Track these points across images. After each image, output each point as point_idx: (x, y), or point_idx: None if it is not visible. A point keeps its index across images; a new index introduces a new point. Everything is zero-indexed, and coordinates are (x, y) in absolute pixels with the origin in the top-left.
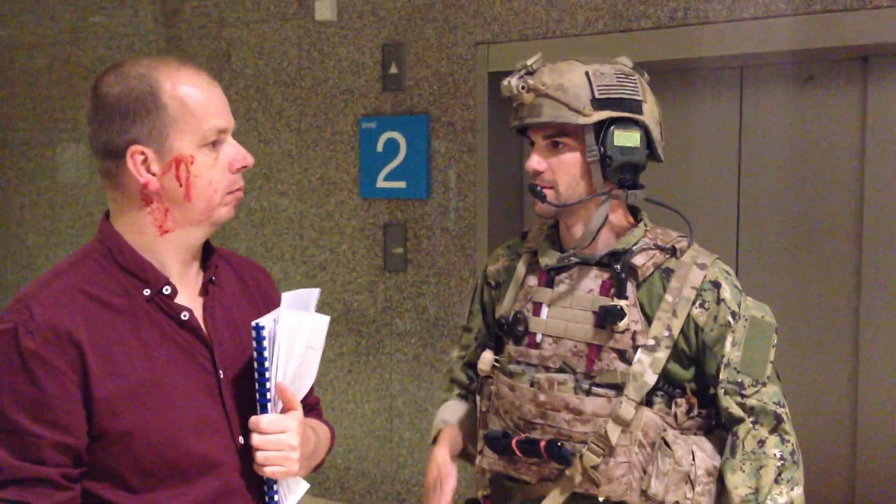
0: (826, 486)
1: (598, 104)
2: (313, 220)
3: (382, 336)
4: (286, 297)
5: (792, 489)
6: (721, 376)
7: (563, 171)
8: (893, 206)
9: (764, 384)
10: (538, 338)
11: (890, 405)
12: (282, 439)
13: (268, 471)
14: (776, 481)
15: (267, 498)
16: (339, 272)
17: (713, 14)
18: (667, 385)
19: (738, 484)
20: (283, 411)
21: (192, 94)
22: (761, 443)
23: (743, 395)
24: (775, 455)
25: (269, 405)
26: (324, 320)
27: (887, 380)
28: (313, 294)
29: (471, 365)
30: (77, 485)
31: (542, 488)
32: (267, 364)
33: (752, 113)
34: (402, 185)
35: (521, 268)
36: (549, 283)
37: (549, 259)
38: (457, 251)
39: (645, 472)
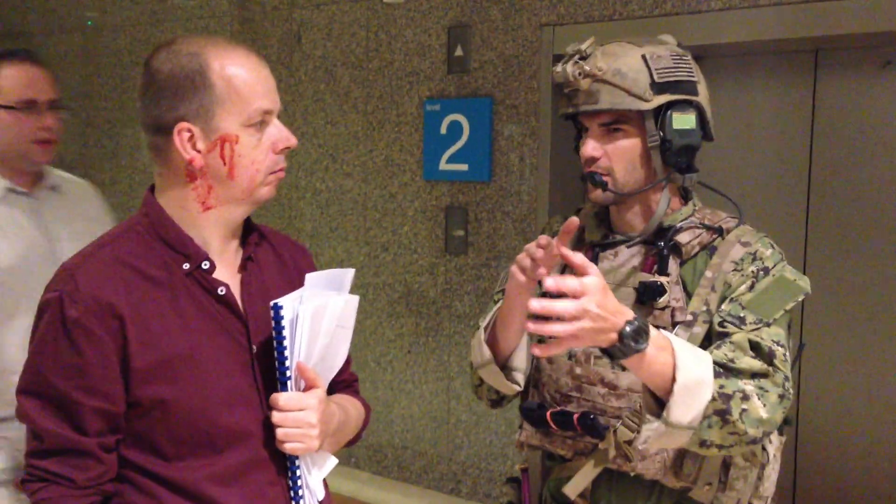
0: (892, 484)
1: (657, 88)
2: (377, 201)
3: (442, 318)
4: (315, 276)
5: (759, 402)
6: (723, 307)
7: (620, 157)
8: None
9: (768, 324)
10: None
11: None
12: (300, 417)
13: (287, 447)
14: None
15: (289, 473)
16: (400, 253)
17: None
18: None
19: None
20: (305, 389)
21: (240, 75)
22: (733, 360)
23: (741, 328)
24: (753, 368)
25: (288, 383)
26: (353, 300)
27: None
28: (348, 274)
29: None
30: (112, 455)
31: (577, 463)
32: (286, 343)
33: (826, 98)
34: (464, 167)
35: (568, 243)
36: (594, 259)
37: (594, 236)
38: (517, 235)
39: (679, 452)
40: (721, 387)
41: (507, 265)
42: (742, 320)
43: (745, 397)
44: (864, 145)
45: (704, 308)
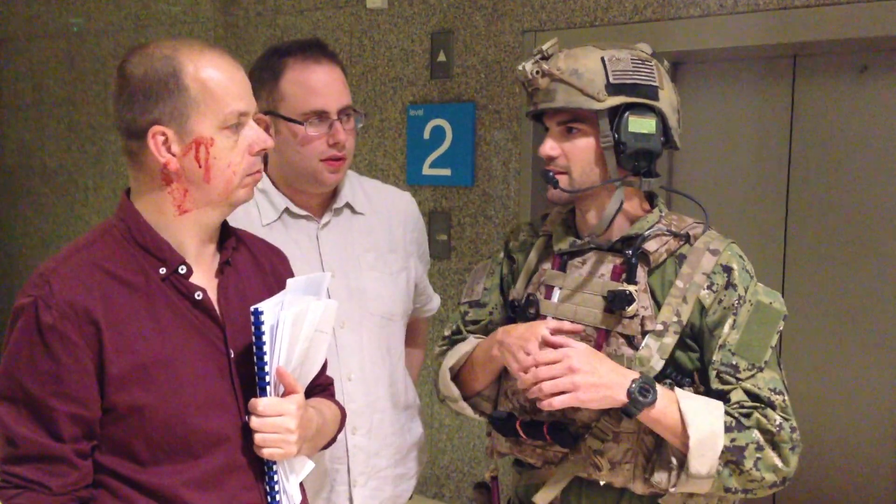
0: (870, 488)
1: (612, 89)
2: None
3: None
4: (294, 282)
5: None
6: (715, 358)
7: (576, 156)
8: None
9: (760, 369)
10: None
11: None
12: (279, 422)
13: (265, 452)
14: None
15: (267, 478)
16: None
17: (764, 2)
18: (674, 372)
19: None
20: (284, 395)
21: (215, 77)
22: (746, 415)
23: (737, 379)
24: (757, 422)
25: (267, 388)
26: (332, 306)
27: None
28: (325, 278)
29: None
30: (88, 461)
31: (547, 472)
32: (265, 349)
33: (804, 104)
34: (447, 172)
35: (534, 252)
36: (562, 268)
37: (562, 244)
38: (500, 239)
39: (648, 460)
40: (733, 440)
41: (474, 269)
42: (735, 368)
43: (759, 447)
44: (842, 150)
45: (675, 319)
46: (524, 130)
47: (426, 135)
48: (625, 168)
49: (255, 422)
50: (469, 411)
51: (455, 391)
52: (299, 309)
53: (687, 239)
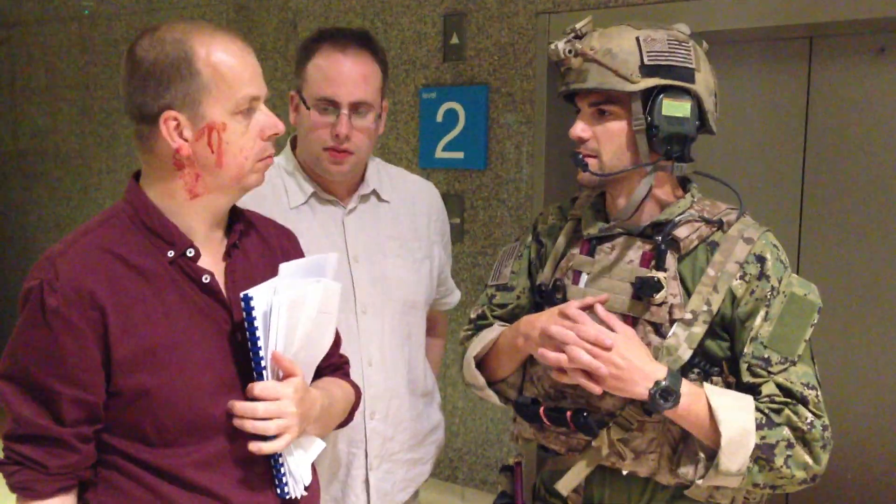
0: (881, 481)
1: (646, 70)
2: None
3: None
4: (292, 265)
5: (786, 461)
6: (746, 350)
7: (607, 139)
8: None
9: (794, 363)
10: None
11: None
12: (276, 406)
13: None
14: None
15: (272, 460)
16: None
17: None
18: (703, 362)
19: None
20: (283, 378)
21: (227, 62)
22: (776, 411)
23: (769, 373)
24: (788, 419)
25: (264, 373)
26: (334, 287)
27: None
28: (329, 259)
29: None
30: (89, 445)
31: (571, 459)
32: (258, 333)
33: (821, 85)
34: (460, 155)
35: (563, 236)
36: (591, 253)
37: (592, 228)
38: (513, 223)
39: (675, 451)
40: (763, 437)
41: (501, 251)
42: (767, 362)
43: (790, 445)
44: (859, 132)
45: (705, 308)
46: (537, 113)
47: (439, 118)
48: (657, 152)
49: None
50: (495, 398)
51: (480, 379)
52: (296, 293)
53: (720, 226)
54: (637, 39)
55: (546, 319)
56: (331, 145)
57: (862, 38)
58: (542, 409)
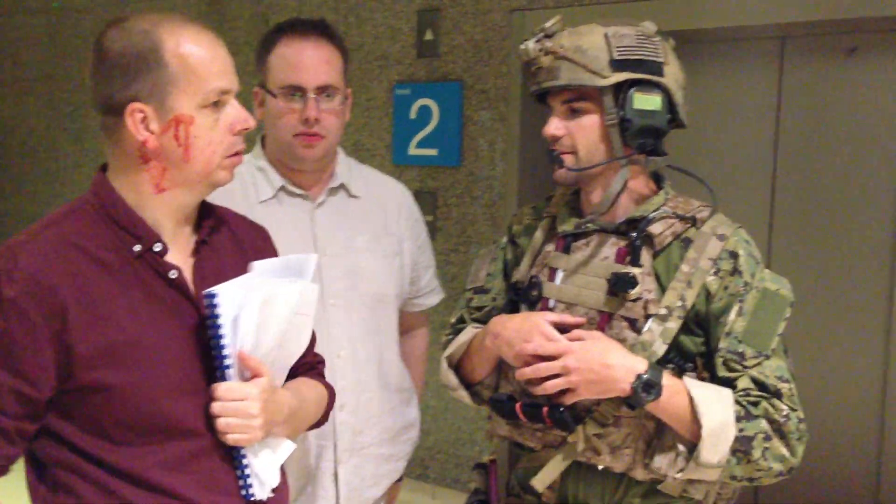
0: (850, 477)
1: (616, 65)
2: None
3: None
4: (266, 263)
5: (763, 453)
6: (721, 345)
7: (581, 135)
8: None
9: (767, 357)
10: (551, 303)
11: None
12: (240, 407)
13: (229, 438)
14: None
15: (236, 461)
16: None
17: None
18: (677, 357)
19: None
20: (251, 379)
21: (196, 53)
22: (753, 404)
23: (744, 367)
24: (765, 412)
25: (228, 372)
26: (311, 288)
27: None
28: (309, 260)
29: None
30: (26, 443)
31: (546, 455)
32: (223, 332)
33: (792, 85)
34: (433, 152)
35: (539, 233)
36: (567, 250)
37: (567, 225)
38: (486, 220)
39: (649, 445)
40: (742, 430)
41: (476, 251)
42: (742, 356)
43: (767, 437)
44: (830, 131)
45: (679, 304)
46: (511, 110)
47: (413, 114)
48: (630, 146)
49: (216, 407)
50: (467, 399)
51: (453, 380)
52: (269, 292)
53: (693, 222)
54: (606, 36)
55: (519, 324)
56: (301, 130)
57: (833, 38)
58: (518, 406)
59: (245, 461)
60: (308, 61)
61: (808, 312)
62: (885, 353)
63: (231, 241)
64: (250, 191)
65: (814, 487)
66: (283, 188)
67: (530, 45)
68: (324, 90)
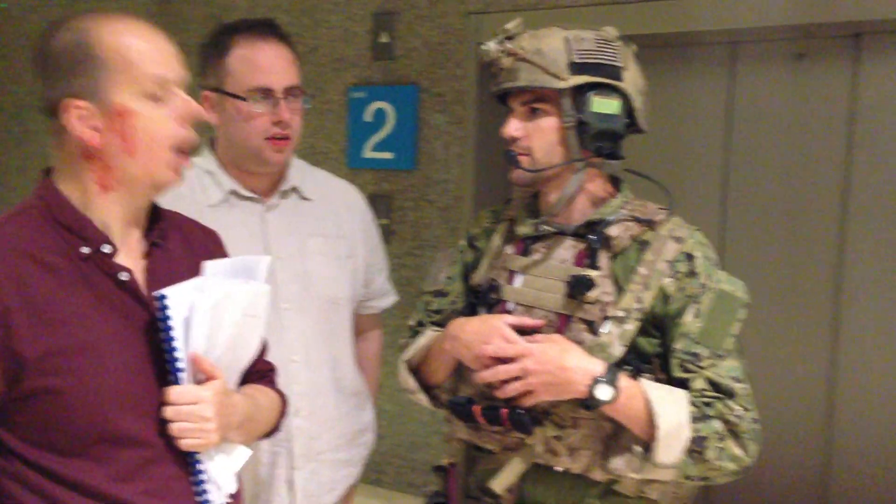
0: (798, 477)
1: (575, 68)
2: None
3: None
4: (218, 264)
5: (719, 454)
6: (677, 346)
7: (539, 137)
8: (881, 189)
9: (722, 357)
10: (510, 306)
11: (869, 389)
12: (193, 410)
13: (183, 443)
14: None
15: (191, 468)
16: None
17: None
18: (635, 359)
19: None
20: (204, 382)
21: (132, 44)
22: (708, 405)
23: (699, 368)
24: (719, 412)
25: (181, 375)
26: (263, 290)
27: (867, 368)
28: (261, 262)
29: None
30: None
31: (505, 458)
32: (174, 334)
33: (743, 90)
34: (389, 155)
35: (498, 236)
36: (525, 252)
37: (525, 228)
38: (441, 224)
39: (606, 446)
40: (696, 430)
41: (431, 254)
42: (697, 357)
43: (721, 437)
44: (780, 136)
45: (637, 306)
46: (467, 114)
47: (368, 117)
48: (588, 149)
49: (168, 411)
50: (426, 402)
51: (412, 383)
52: (221, 293)
53: (650, 225)
54: (566, 39)
55: (478, 327)
56: (272, 133)
57: (782, 44)
58: (477, 409)
59: (200, 467)
60: (277, 63)
61: (759, 314)
62: (832, 354)
63: (183, 245)
64: (198, 195)
65: (763, 487)
66: (233, 192)
67: (492, 45)
68: (291, 91)
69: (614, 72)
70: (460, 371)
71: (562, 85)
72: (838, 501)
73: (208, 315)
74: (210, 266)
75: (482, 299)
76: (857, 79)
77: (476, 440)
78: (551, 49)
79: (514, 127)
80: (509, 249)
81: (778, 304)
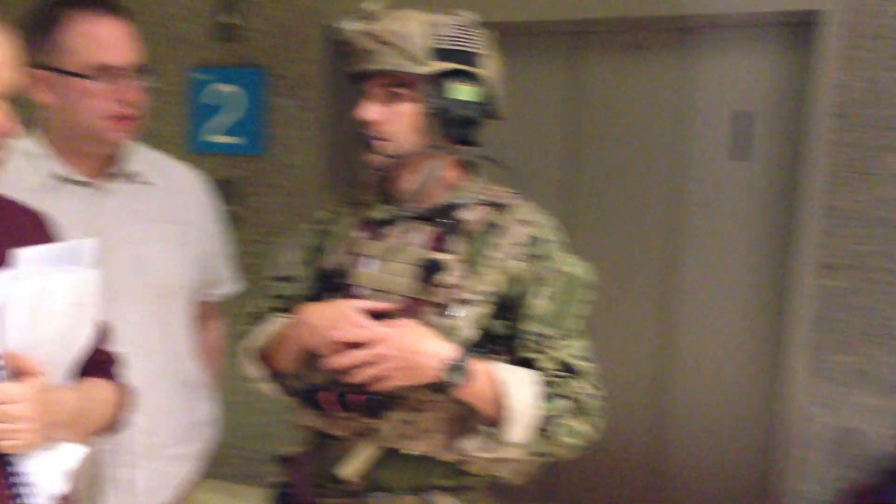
0: (632, 451)
1: (436, 54)
2: None
3: None
4: (36, 251)
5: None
6: (526, 327)
7: (397, 121)
8: (710, 176)
9: (570, 338)
10: (361, 291)
11: (698, 368)
12: (8, 410)
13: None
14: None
15: (7, 470)
16: None
17: None
18: (487, 341)
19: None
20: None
21: None
22: (555, 384)
23: (547, 348)
24: (566, 391)
25: None
26: (89, 276)
27: (698, 346)
28: (85, 245)
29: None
30: None
31: (353, 444)
32: None
33: (588, 78)
34: (234, 140)
35: (346, 220)
36: (376, 236)
37: (376, 212)
38: (289, 209)
39: (457, 427)
40: (545, 409)
41: (278, 242)
42: (546, 337)
43: (568, 415)
44: (623, 123)
45: (488, 288)
46: (315, 98)
47: (212, 100)
48: (445, 135)
49: None
50: (273, 391)
51: (258, 371)
52: (40, 283)
53: (502, 209)
54: (427, 24)
55: (326, 312)
56: (115, 112)
57: (620, 35)
58: (325, 395)
59: (12, 469)
60: (120, 39)
61: (604, 303)
62: (665, 332)
63: (4, 232)
64: (13, 180)
65: (598, 462)
66: (57, 176)
67: (351, 25)
68: (136, 69)
69: (474, 58)
70: (309, 357)
71: (423, 70)
72: (671, 473)
73: (27, 307)
74: (25, 254)
75: (330, 284)
76: (686, 71)
77: (324, 427)
78: (412, 33)
79: (371, 110)
80: (359, 234)
81: (616, 285)
